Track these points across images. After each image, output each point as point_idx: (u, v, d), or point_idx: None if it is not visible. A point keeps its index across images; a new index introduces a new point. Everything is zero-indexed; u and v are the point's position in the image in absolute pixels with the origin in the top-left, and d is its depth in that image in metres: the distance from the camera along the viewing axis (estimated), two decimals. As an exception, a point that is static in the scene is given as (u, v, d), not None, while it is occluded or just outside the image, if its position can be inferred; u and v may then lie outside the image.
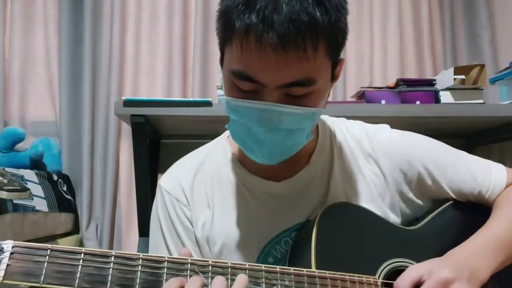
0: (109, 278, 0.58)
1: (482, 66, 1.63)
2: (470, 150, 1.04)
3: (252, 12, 0.65)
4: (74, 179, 2.10)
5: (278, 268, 0.68)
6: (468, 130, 1.96)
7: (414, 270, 0.72)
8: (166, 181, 0.91)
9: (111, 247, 2.10)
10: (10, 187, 1.37)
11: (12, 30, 2.15)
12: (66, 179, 2.03)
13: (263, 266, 0.67)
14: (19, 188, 1.41)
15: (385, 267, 0.78)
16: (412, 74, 2.23)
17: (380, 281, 0.76)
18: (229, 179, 0.88)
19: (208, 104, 1.53)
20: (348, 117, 0.98)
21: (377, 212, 0.86)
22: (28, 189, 1.50)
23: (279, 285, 0.67)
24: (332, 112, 0.97)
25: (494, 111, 1.60)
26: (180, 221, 0.87)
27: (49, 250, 0.56)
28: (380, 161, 0.88)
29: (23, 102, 2.15)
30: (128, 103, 1.52)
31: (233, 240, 0.85)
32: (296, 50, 0.65)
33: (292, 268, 0.69)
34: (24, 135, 1.87)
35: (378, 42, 2.24)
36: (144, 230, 1.67)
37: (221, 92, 0.77)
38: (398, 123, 1.02)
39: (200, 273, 0.63)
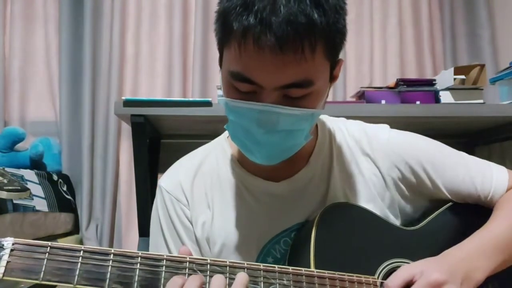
0: (108, 275, 0.58)
1: (482, 66, 1.63)
2: (470, 150, 1.04)
3: (250, 14, 0.65)
4: (74, 179, 2.10)
5: (276, 267, 0.68)
6: (468, 130, 1.96)
7: (406, 271, 0.72)
8: (166, 181, 0.91)
9: (111, 247, 2.09)
10: (10, 187, 1.37)
11: (12, 30, 2.15)
12: (66, 179, 2.03)
13: (261, 265, 0.67)
14: (19, 188, 1.42)
15: (385, 267, 0.78)
16: (412, 74, 2.23)
17: (379, 281, 0.76)
18: (229, 179, 0.89)
19: (208, 104, 1.54)
20: (348, 117, 0.98)
21: (377, 212, 0.86)
22: (28, 189, 1.50)
23: (277, 285, 0.67)
24: (332, 112, 0.97)
25: (494, 111, 1.59)
26: (180, 221, 0.87)
27: (49, 248, 0.57)
28: (379, 161, 0.88)
29: (23, 102, 2.16)
30: (128, 103, 1.52)
31: (233, 240, 0.85)
32: (294, 51, 0.65)
33: (290, 268, 0.69)
34: (24, 135, 1.88)
35: (378, 42, 2.24)
36: (144, 230, 1.67)
37: (221, 92, 0.77)
38: (398, 123, 1.02)
39: (198, 271, 0.63)
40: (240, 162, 0.89)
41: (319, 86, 0.71)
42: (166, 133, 2.01)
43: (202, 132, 1.79)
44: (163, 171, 0.95)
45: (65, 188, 1.98)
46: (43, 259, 0.56)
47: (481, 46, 2.21)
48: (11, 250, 0.55)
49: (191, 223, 0.87)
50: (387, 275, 0.76)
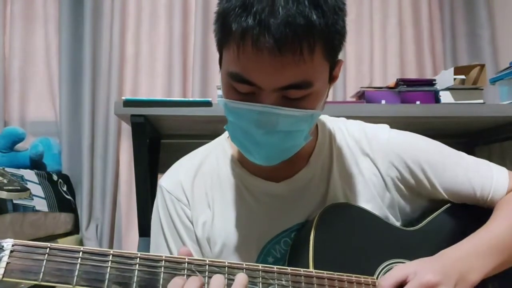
0: (107, 276, 0.59)
1: (482, 66, 1.63)
2: (470, 150, 1.04)
3: (249, 15, 0.65)
4: (74, 179, 2.10)
5: (275, 267, 0.68)
6: (468, 130, 1.95)
7: (399, 270, 0.72)
8: (167, 181, 0.91)
9: (111, 247, 2.10)
10: (10, 187, 1.37)
11: (12, 30, 2.16)
12: (66, 179, 2.03)
13: (260, 266, 0.67)
14: (19, 188, 1.42)
15: (384, 267, 0.78)
16: (412, 74, 2.23)
17: (378, 281, 0.75)
18: (229, 180, 0.89)
19: (208, 104, 1.54)
20: (348, 117, 0.98)
21: (376, 212, 0.86)
22: (28, 189, 1.50)
23: (276, 285, 0.67)
24: (332, 112, 0.97)
25: (494, 111, 1.59)
26: (180, 221, 0.88)
27: (48, 249, 0.57)
28: (378, 161, 0.88)
29: (23, 102, 2.16)
30: (128, 103, 1.52)
31: (233, 240, 0.85)
32: (292, 53, 0.65)
33: (289, 268, 0.69)
34: (24, 135, 1.88)
35: (378, 42, 2.24)
36: (144, 230, 1.67)
37: (221, 92, 0.77)
38: (398, 123, 1.02)
39: (197, 272, 0.63)
40: (241, 162, 0.89)
41: (318, 87, 0.71)
42: (166, 133, 2.01)
43: (202, 132, 1.79)
44: (163, 171, 0.95)
45: (65, 188, 1.98)
46: (43, 260, 0.56)
47: (481, 46, 2.21)
48: (11, 252, 0.55)
49: (192, 223, 0.88)
50: (386, 276, 0.76)
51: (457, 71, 1.62)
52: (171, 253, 0.87)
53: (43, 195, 1.73)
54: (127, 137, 2.15)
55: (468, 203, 0.90)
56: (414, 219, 0.91)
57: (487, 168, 0.91)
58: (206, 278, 0.63)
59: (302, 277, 0.69)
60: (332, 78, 0.77)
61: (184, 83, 2.20)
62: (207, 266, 0.64)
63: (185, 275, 0.62)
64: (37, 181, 1.74)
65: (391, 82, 1.76)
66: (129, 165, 2.13)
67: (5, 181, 1.38)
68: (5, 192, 1.34)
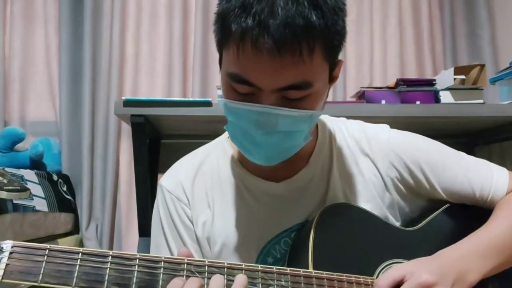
0: (106, 277, 0.59)
1: (482, 66, 1.63)
2: (470, 150, 1.04)
3: (248, 16, 0.65)
4: (74, 179, 2.10)
5: (274, 268, 0.68)
6: (468, 130, 1.95)
7: (396, 270, 0.71)
8: (167, 180, 0.91)
9: (111, 247, 2.10)
10: (10, 187, 1.37)
11: (12, 30, 2.15)
12: (66, 179, 2.03)
13: (259, 266, 0.67)
14: (19, 188, 1.42)
15: (383, 268, 0.78)
16: (412, 74, 2.23)
17: (375, 281, 0.75)
18: (229, 179, 0.89)
19: (208, 104, 1.54)
20: (348, 117, 0.98)
21: (376, 212, 0.86)
22: (28, 189, 1.51)
23: (275, 285, 0.67)
24: (332, 112, 0.97)
25: (494, 111, 1.59)
26: (181, 220, 0.88)
27: (47, 250, 0.57)
28: (378, 161, 0.88)
29: (23, 102, 2.16)
30: (128, 103, 1.52)
31: (233, 240, 0.85)
32: (291, 54, 0.65)
33: (288, 268, 0.69)
34: (24, 135, 1.88)
35: (378, 42, 2.24)
36: (144, 230, 1.67)
37: (221, 92, 0.77)
38: (398, 123, 1.02)
39: (196, 273, 0.63)
40: (241, 162, 0.89)
41: (318, 88, 0.71)
42: (166, 133, 2.01)
43: (202, 132, 1.79)
44: (163, 171, 0.95)
45: (65, 188, 1.98)
46: (42, 261, 0.56)
47: (481, 46, 2.21)
48: (10, 253, 0.55)
49: (192, 223, 0.88)
50: (386, 276, 0.76)
51: (457, 71, 1.62)
52: (171, 252, 0.87)
53: (43, 195, 1.74)
54: (127, 137, 2.15)
55: (467, 203, 0.89)
56: (413, 219, 0.90)
57: (487, 168, 0.90)
58: (206, 279, 0.63)
59: (302, 278, 0.69)
60: (332, 79, 0.77)
61: (184, 83, 2.19)
62: (206, 267, 0.64)
63: (185, 276, 0.62)
64: (37, 181, 1.74)
65: (391, 82, 1.76)
66: (129, 165, 2.13)
67: (5, 181, 1.38)
68: (5, 192, 1.34)
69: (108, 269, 0.59)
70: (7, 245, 0.56)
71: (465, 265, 0.73)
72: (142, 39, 2.21)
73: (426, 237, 0.85)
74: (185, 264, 0.63)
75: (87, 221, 2.08)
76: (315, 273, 0.70)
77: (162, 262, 0.62)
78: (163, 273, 0.61)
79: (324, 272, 0.71)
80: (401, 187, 0.88)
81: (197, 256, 0.86)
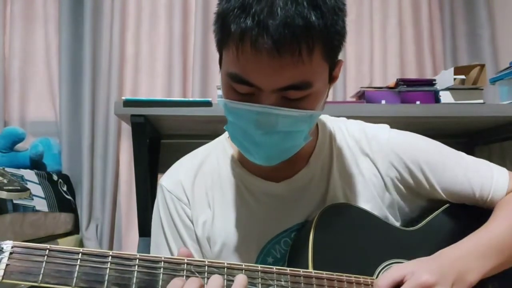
0: (106, 277, 0.59)
1: (482, 66, 1.63)
2: (470, 150, 1.04)
3: (248, 16, 0.65)
4: (74, 179, 2.11)
5: (274, 268, 0.68)
6: (468, 130, 1.96)
7: (396, 270, 0.71)
8: (167, 180, 0.91)
9: (111, 247, 2.10)
10: (10, 187, 1.37)
11: (12, 30, 2.16)
12: (66, 179, 2.03)
13: (259, 267, 0.67)
14: (19, 188, 1.42)
15: (383, 268, 0.78)
16: (412, 74, 2.23)
17: (375, 281, 0.75)
18: (229, 179, 0.89)
19: (208, 104, 1.54)
20: (348, 117, 0.98)
21: (376, 212, 0.86)
22: (28, 189, 1.51)
23: (275, 286, 0.67)
24: (332, 112, 0.97)
25: (494, 111, 1.59)
26: (181, 220, 0.88)
27: (47, 250, 0.57)
28: (378, 161, 0.88)
29: (23, 102, 2.16)
30: (128, 103, 1.52)
31: (233, 240, 0.85)
32: (291, 54, 0.65)
33: (288, 269, 0.69)
34: (24, 135, 1.88)
35: (378, 42, 2.24)
36: (144, 230, 1.68)
37: (221, 92, 0.77)
38: (398, 123, 1.02)
39: (196, 273, 0.63)
40: (241, 162, 0.89)
41: (317, 88, 0.71)
42: (166, 133, 2.01)
43: (202, 132, 1.79)
44: (163, 171, 0.95)
45: (65, 188, 1.98)
46: (42, 261, 0.56)
47: (481, 46, 2.21)
48: (10, 253, 0.55)
49: (192, 222, 0.88)
50: (386, 276, 0.76)
51: (457, 71, 1.62)
52: (171, 252, 0.87)
53: (43, 195, 1.74)
54: (127, 137, 2.15)
55: (467, 203, 0.89)
56: (413, 219, 0.90)
57: (487, 168, 0.90)
58: (206, 279, 0.63)
59: (302, 278, 0.69)
60: (332, 79, 0.77)
61: (184, 83, 2.20)
62: (206, 267, 0.64)
63: (184, 276, 0.62)
64: (37, 181, 1.74)
65: (391, 82, 1.76)
66: (129, 165, 2.13)
67: (5, 181, 1.38)
68: (5, 192, 1.34)
69: (108, 269, 0.59)
70: (7, 245, 0.56)
71: (465, 265, 0.73)
72: (142, 39, 2.21)
73: (426, 237, 0.85)
74: (185, 264, 0.63)
75: (87, 221, 2.08)
76: (315, 273, 0.70)
77: (162, 262, 0.62)
78: (163, 273, 0.61)
79: (324, 272, 0.71)
80: (401, 187, 0.88)
81: (197, 256, 0.86)
